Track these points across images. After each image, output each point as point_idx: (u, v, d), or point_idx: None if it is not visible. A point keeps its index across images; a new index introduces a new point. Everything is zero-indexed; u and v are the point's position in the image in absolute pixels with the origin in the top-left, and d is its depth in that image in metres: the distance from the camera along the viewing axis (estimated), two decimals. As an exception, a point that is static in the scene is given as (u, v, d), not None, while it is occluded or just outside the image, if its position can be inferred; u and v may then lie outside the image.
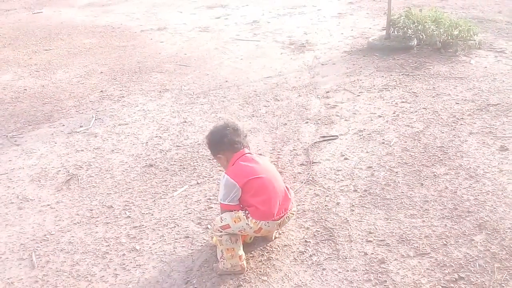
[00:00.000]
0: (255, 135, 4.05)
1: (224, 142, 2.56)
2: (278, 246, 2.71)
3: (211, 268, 2.55)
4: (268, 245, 2.71)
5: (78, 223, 2.96)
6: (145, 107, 4.69)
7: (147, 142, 3.97)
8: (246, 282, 2.46)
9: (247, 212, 2.48)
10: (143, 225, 2.91)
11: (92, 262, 2.63)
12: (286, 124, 4.25)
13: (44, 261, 2.65)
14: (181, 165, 3.61)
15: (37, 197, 3.25)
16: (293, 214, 2.65)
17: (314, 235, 2.78)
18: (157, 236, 2.81)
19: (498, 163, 3.38)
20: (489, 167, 3.34)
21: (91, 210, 3.08)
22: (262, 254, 2.65)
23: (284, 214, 2.55)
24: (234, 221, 2.45)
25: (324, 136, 4.01)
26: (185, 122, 4.35)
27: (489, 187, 3.11)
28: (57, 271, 2.58)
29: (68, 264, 2.62)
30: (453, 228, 2.77)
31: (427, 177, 3.31)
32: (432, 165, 3.46)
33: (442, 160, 3.52)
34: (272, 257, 2.62)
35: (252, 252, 2.67)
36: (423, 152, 3.64)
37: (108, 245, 2.75)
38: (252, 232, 2.51)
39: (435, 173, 3.35)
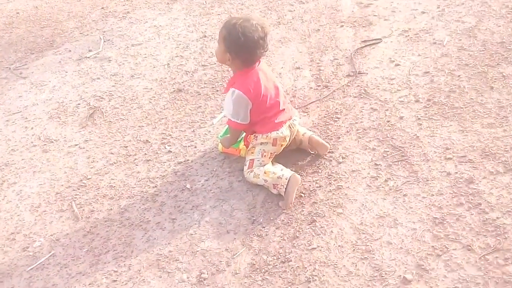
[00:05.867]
0: (286, 46, 3.59)
1: (251, 52, 2.23)
2: (345, 172, 2.40)
3: (276, 204, 2.26)
4: (333, 172, 2.40)
5: (115, 163, 2.63)
6: (155, 23, 4.16)
7: (168, 64, 3.53)
8: (319, 216, 2.18)
9: (254, 134, 2.38)
10: (188, 160, 2.58)
11: (143, 207, 2.33)
12: (319, 30, 3.77)
13: (87, 210, 2.36)
14: (212, 87, 3.20)
15: (62, 137, 2.89)
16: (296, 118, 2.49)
17: (384, 156, 2.47)
18: (208, 171, 2.50)
19: None
20: None
21: (126, 147, 2.73)
22: (330, 183, 2.35)
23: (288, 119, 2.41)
24: (252, 152, 2.33)
25: (365, 41, 3.56)
26: (205, 36, 3.86)
27: None
28: (106, 221, 2.29)
29: (115, 211, 2.33)
30: (543, 137, 2.45)
31: (495, 79, 2.93)
32: (497, 64, 3.07)
33: (506, 58, 3.12)
34: (342, 186, 2.33)
35: (317, 181, 2.37)
36: (483, 51, 3.22)
37: (156, 186, 2.44)
38: (272, 148, 2.35)
39: (503, 74, 2.97)
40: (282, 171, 2.28)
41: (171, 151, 2.66)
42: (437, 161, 2.39)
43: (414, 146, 2.51)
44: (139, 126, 2.89)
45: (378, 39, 3.59)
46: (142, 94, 3.20)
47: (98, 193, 2.44)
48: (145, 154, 2.66)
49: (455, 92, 2.88)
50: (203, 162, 2.56)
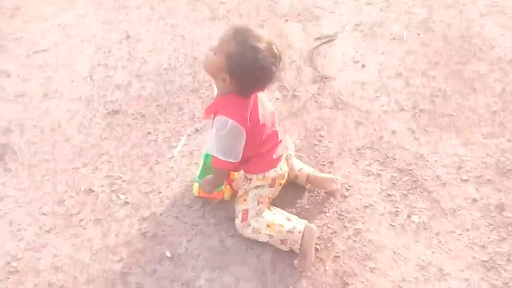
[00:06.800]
0: (232, 46, 3.04)
1: (259, 86, 1.69)
2: (357, 209, 1.99)
3: (290, 264, 1.77)
4: (343, 210, 1.98)
5: (52, 228, 1.91)
6: (59, 21, 3.33)
7: (91, 76, 2.79)
8: (350, 276, 1.75)
9: (243, 176, 1.88)
10: (155, 213, 1.97)
11: (112, 296, 1.68)
12: (262, 25, 3.29)
13: (29, 312, 1.64)
14: (158, 105, 2.57)
15: (-38, 195, 2.06)
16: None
17: (393, 183, 2.10)
18: (187, 227, 1.92)
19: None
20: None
21: (62, 201, 2.02)
22: (345, 226, 1.93)
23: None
24: (244, 199, 1.81)
25: (318, 38, 3.17)
26: (129, 37, 3.16)
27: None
28: (62, 326, 1.60)
29: (73, 308, 1.65)
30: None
31: (473, 78, 2.73)
32: (468, 61, 2.87)
33: (474, 53, 2.93)
34: (360, 229, 1.91)
35: (329, 225, 1.93)
36: (447, 46, 3.01)
37: (121, 259, 1.80)
38: (270, 191, 1.84)
39: (478, 72, 2.77)
40: (291, 223, 1.79)
41: (128, 202, 2.02)
42: (454, 184, 2.08)
43: (422, 167, 2.18)
44: (74, 169, 2.17)
45: (332, 35, 3.21)
46: (66, 121, 2.45)
47: (39, 281, 1.73)
48: (93, 210, 1.98)
49: (438, 96, 2.62)
50: (177, 214, 1.96)
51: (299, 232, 1.75)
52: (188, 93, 2.66)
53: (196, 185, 1.99)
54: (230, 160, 1.74)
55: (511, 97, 2.57)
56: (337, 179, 2.04)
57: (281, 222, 1.79)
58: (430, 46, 3.02)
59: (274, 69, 1.61)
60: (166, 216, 1.95)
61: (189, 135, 2.37)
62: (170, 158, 2.23)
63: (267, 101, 1.87)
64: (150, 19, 3.37)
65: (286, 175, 1.90)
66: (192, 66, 2.88)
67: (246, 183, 1.84)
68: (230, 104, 1.69)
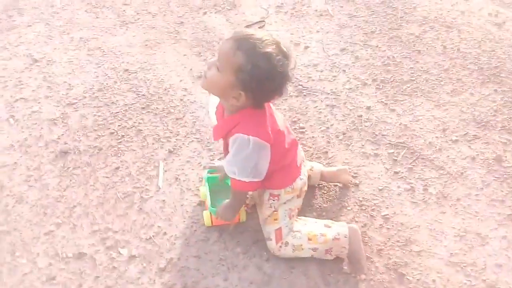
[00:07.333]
0: (161, 51, 2.78)
1: (278, 93, 1.46)
2: (374, 194, 1.94)
3: (340, 272, 1.66)
4: (361, 198, 1.91)
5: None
6: None
7: (13, 116, 2.32)
8: (402, 266, 1.69)
9: (268, 193, 1.66)
10: (172, 259, 1.70)
11: None
12: (183, 22, 3.05)
13: None
14: (111, 132, 2.23)
15: None
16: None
17: (394, 160, 2.08)
18: (215, 265, 1.68)
19: (453, 7, 3.09)
20: (450, 11, 3.03)
21: (53, 278, 1.64)
22: (371, 216, 1.87)
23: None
24: (275, 219, 1.65)
25: (248, 26, 3.03)
26: (37, 61, 2.69)
27: (476, 32, 2.83)
28: None
29: None
30: (507, 91, 2.43)
31: (412, 42, 2.82)
32: (400, 26, 2.96)
33: (402, 17, 3.04)
34: (387, 214, 1.87)
35: (356, 219, 1.84)
36: (374, 14, 3.09)
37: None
38: (298, 202, 1.71)
39: (414, 34, 2.88)
40: (333, 229, 1.67)
41: (135, 256, 1.70)
42: (448, 147, 2.13)
43: (412, 137, 2.19)
44: (47, 234, 1.78)
45: (260, 21, 3.09)
46: (7, 177, 2.00)
47: None
48: (96, 277, 1.63)
49: (389, 65, 2.66)
50: (197, 254, 1.71)
51: (345, 237, 1.63)
52: (139, 111, 2.34)
53: (206, 214, 1.75)
54: (255, 180, 1.54)
55: (454, 53, 2.69)
56: (349, 168, 1.95)
57: (322, 231, 1.65)
58: (360, 17, 3.05)
59: (290, 72, 1.43)
60: (186, 259, 1.68)
61: (165, 159, 2.08)
62: (157, 191, 1.93)
63: (273, 105, 1.68)
64: (50, 35, 2.91)
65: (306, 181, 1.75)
66: (128, 80, 2.55)
67: (274, 200, 1.65)
68: (245, 119, 1.48)
